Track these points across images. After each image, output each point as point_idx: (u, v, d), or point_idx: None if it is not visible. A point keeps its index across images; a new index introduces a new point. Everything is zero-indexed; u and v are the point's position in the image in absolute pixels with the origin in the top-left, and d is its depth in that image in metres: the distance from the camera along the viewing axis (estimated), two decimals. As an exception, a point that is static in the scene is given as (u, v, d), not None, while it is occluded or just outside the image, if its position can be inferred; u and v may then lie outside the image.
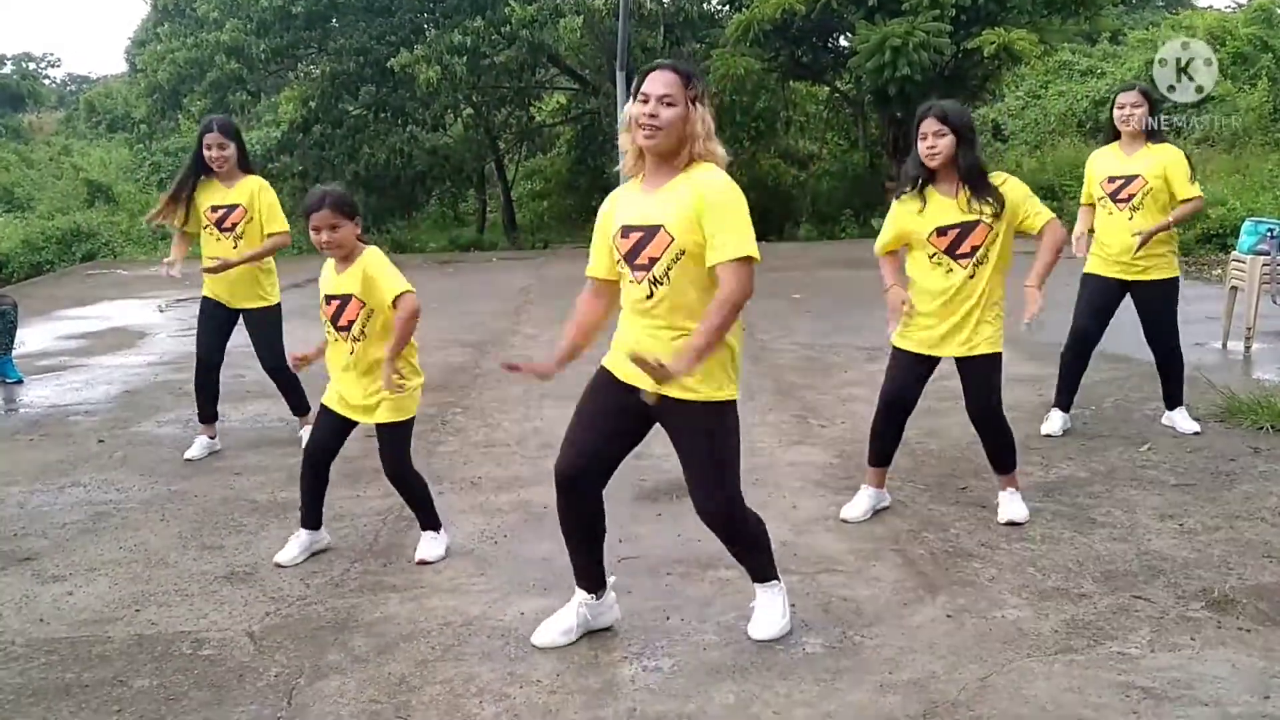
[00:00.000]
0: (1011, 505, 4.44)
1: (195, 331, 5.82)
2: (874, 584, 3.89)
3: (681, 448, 3.33)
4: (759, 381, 7.14)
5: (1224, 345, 7.54)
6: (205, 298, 5.76)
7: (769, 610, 3.53)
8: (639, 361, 2.98)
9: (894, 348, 4.47)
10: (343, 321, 4.09)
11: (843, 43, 17.06)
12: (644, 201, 3.21)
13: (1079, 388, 5.73)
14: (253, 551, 4.41)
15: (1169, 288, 5.47)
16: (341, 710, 3.15)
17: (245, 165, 5.68)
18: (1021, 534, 4.29)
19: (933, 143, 4.16)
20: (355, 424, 4.22)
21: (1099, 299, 5.53)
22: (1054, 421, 5.65)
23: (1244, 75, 19.30)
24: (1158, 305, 5.48)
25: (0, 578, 4.22)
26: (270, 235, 5.56)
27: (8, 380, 7.82)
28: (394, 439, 4.20)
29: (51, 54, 62.22)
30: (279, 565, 4.22)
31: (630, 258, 3.21)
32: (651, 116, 3.08)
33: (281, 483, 5.24)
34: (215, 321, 5.75)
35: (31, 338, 9.63)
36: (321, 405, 4.25)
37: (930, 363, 4.41)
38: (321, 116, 18.71)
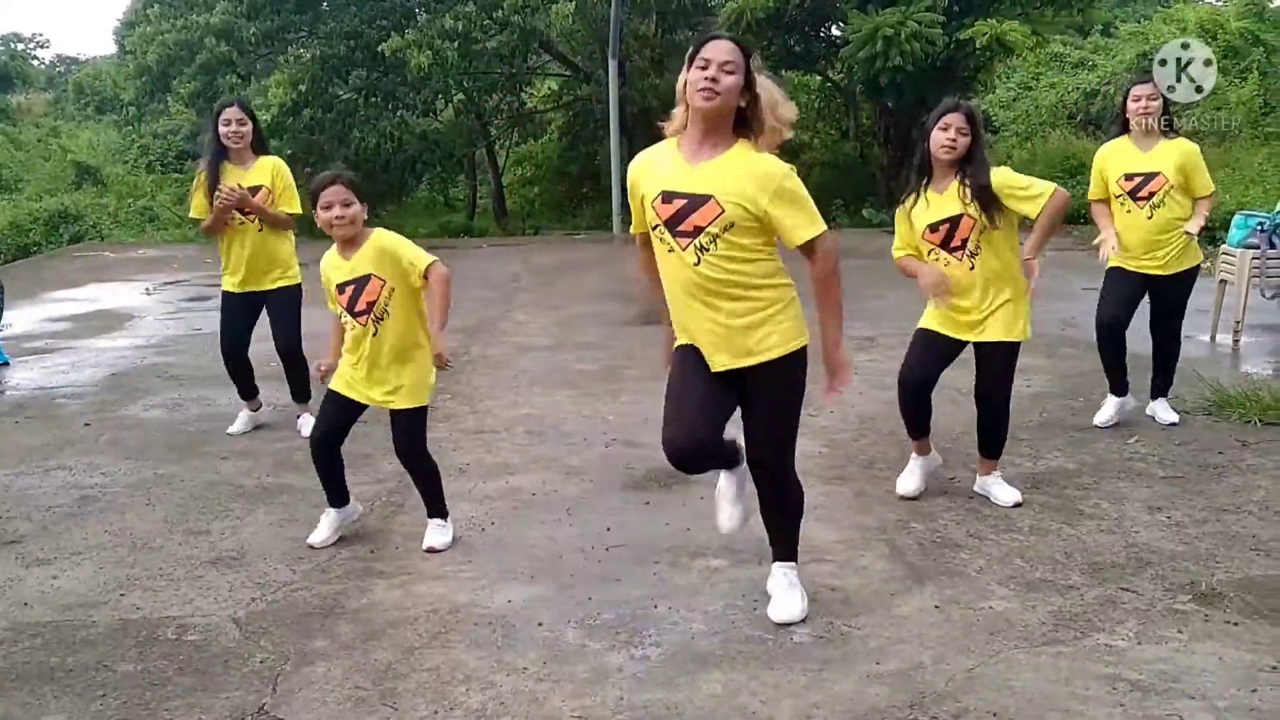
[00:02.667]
0: (1006, 489, 4.54)
1: (220, 326, 5.84)
2: (862, 574, 3.89)
3: (764, 408, 3.40)
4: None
5: (1213, 338, 7.55)
6: (227, 293, 5.76)
7: (796, 589, 3.59)
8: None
9: (919, 329, 4.53)
10: (361, 305, 4.02)
11: (835, 32, 17.03)
12: (687, 171, 3.22)
13: (1125, 367, 5.59)
14: (239, 537, 4.38)
15: (1190, 277, 5.44)
16: (327, 697, 3.13)
17: (262, 147, 5.70)
18: (1009, 525, 4.29)
19: (954, 137, 4.19)
20: (365, 407, 4.18)
21: (1125, 290, 5.43)
22: (1109, 408, 5.60)
23: (1234, 69, 19.30)
24: (1176, 294, 5.44)
25: (-16, 561, 4.20)
26: (284, 213, 5.60)
27: (-7, 363, 7.78)
28: (412, 425, 4.18)
29: (40, 34, 61.73)
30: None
31: (672, 224, 3.21)
32: (713, 80, 3.09)
33: (269, 468, 5.22)
34: (239, 312, 5.76)
35: (18, 320, 9.57)
36: (329, 391, 4.18)
37: (954, 345, 4.45)
38: (311, 100, 18.59)
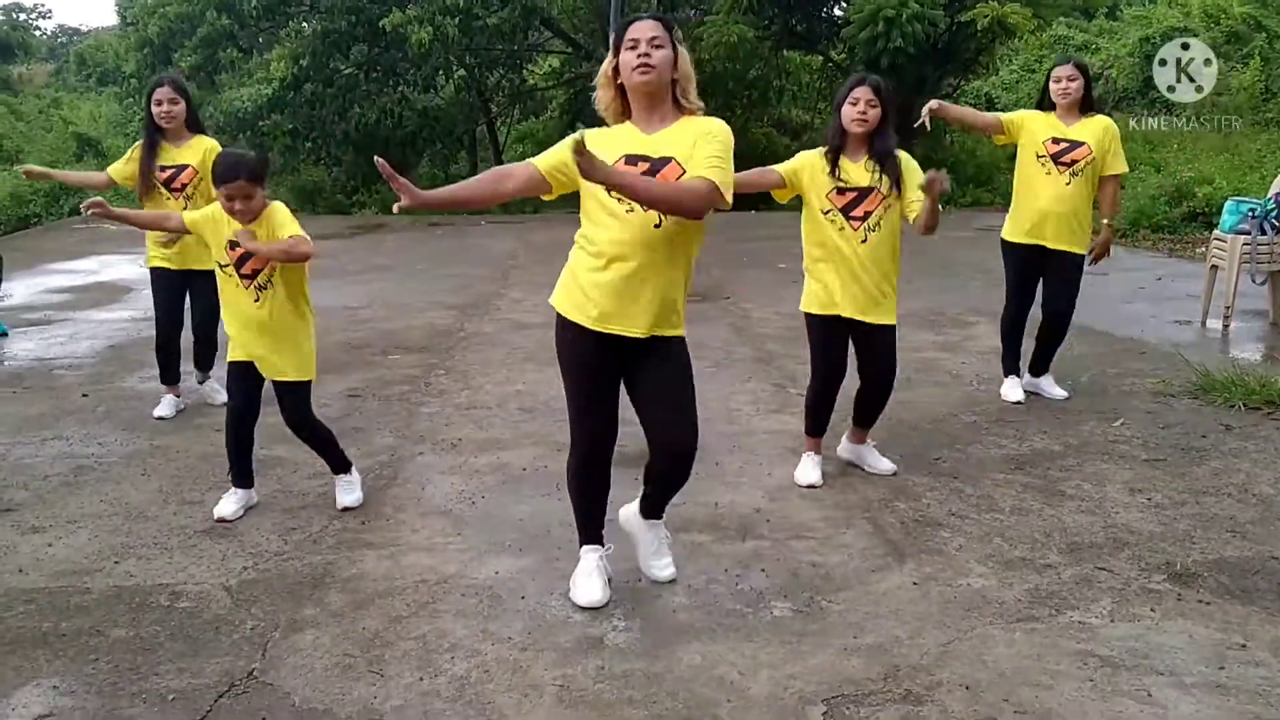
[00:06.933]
0: (881, 459, 4.77)
1: (154, 304, 5.81)
2: (843, 550, 3.95)
3: (661, 383, 3.40)
4: (740, 350, 7.18)
5: (1203, 323, 7.59)
6: (155, 268, 5.67)
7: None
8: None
9: (809, 318, 4.52)
10: (247, 269, 4.14)
11: (837, 12, 17.01)
12: (644, 140, 3.30)
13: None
14: (232, 507, 4.44)
15: (1082, 260, 5.60)
16: (315, 664, 3.20)
17: (196, 125, 5.63)
18: (991, 505, 4.35)
19: (864, 109, 4.25)
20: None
21: (1030, 271, 5.66)
22: (1017, 388, 5.79)
23: (1236, 55, 19.29)
24: (1073, 273, 5.59)
25: (-19, 528, 4.26)
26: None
27: (-8, 333, 7.83)
28: (297, 396, 4.35)
29: (43, 4, 61.65)
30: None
31: None
32: (645, 56, 3.21)
33: (262, 440, 5.20)
34: (171, 289, 5.70)
35: (17, 291, 9.62)
36: (233, 364, 4.28)
37: (847, 325, 4.48)
38: (312, 75, 18.60)
